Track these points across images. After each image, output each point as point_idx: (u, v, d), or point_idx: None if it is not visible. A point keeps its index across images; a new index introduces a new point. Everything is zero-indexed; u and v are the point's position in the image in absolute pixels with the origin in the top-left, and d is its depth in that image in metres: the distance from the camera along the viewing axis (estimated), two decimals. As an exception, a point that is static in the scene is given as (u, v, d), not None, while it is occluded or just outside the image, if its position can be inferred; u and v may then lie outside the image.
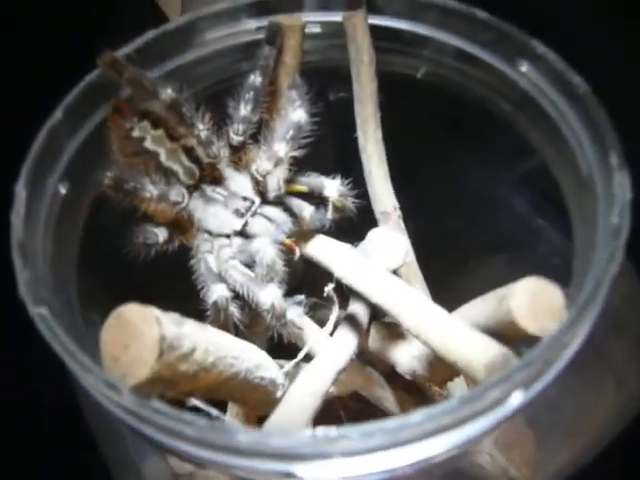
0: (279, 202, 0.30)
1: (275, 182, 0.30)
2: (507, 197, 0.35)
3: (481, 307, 0.25)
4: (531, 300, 0.22)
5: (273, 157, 0.28)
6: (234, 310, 0.28)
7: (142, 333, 0.22)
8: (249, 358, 0.28)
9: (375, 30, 0.32)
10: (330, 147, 0.38)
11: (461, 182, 0.35)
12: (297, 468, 0.18)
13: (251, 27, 0.32)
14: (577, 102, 0.26)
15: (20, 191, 0.24)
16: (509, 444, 0.35)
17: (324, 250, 0.31)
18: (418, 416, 0.17)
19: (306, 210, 0.30)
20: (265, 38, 0.31)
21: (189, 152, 0.30)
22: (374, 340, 0.36)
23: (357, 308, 0.32)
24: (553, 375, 0.20)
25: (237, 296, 0.29)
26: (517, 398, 0.19)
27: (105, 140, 0.29)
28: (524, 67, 0.28)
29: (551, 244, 0.33)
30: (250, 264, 0.29)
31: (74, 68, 0.28)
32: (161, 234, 0.30)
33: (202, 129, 0.29)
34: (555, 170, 0.28)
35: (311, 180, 0.30)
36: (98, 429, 0.29)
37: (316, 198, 0.31)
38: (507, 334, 0.24)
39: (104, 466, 0.30)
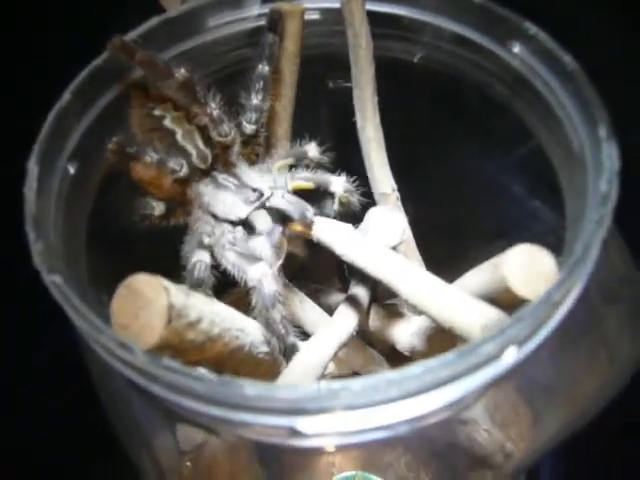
0: (286, 200, 0.31)
1: (282, 179, 0.31)
2: (505, 180, 0.35)
3: (477, 276, 0.26)
4: (524, 266, 0.23)
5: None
6: (209, 279, 0.29)
7: (151, 301, 0.23)
8: (254, 332, 0.29)
9: (372, 16, 0.33)
10: (330, 133, 0.39)
11: (459, 166, 0.36)
12: (301, 422, 0.19)
13: (253, 14, 0.33)
14: (567, 79, 0.27)
15: (32, 167, 0.25)
16: (507, 422, 0.36)
17: (324, 230, 0.32)
18: (418, 368, 0.18)
19: (309, 212, 0.30)
20: (267, 25, 0.32)
21: (203, 134, 0.31)
22: (374, 321, 0.37)
23: (358, 290, 0.33)
24: (546, 334, 0.21)
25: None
26: (511, 354, 0.20)
27: (112, 123, 0.30)
28: (516, 48, 0.29)
29: (548, 225, 0.33)
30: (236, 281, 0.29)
31: (75, 66, 0.29)
32: (158, 207, 0.30)
33: (214, 107, 0.30)
34: (548, 147, 0.29)
35: (317, 177, 0.32)
36: (110, 405, 0.29)
37: (322, 193, 0.32)
38: (502, 300, 0.24)
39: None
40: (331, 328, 0.31)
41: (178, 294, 0.23)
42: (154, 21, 0.31)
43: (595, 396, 0.28)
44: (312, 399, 0.18)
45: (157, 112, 0.30)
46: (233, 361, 0.28)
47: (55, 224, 0.26)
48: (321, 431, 0.20)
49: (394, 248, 0.33)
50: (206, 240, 0.30)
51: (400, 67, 0.34)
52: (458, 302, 0.25)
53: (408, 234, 0.35)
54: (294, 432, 0.21)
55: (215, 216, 0.31)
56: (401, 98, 0.35)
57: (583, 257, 0.21)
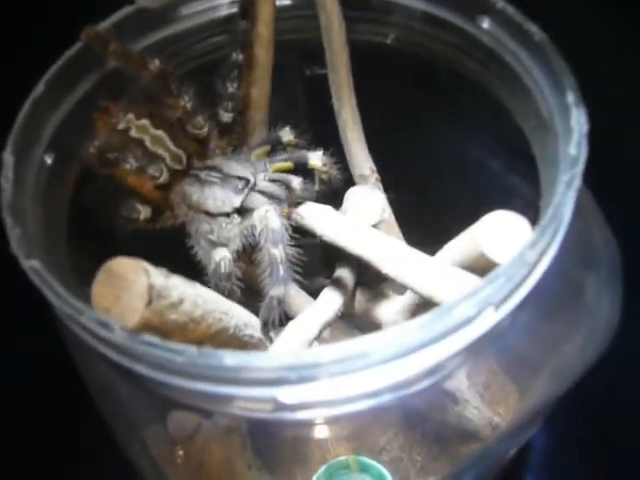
0: (269, 180, 0.31)
1: (262, 164, 0.32)
2: (483, 156, 0.36)
3: (455, 246, 0.26)
4: (498, 232, 0.23)
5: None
6: (237, 274, 0.29)
7: (132, 283, 0.23)
8: (238, 315, 0.30)
9: (343, -1, 0.34)
10: (310, 119, 0.39)
11: (436, 144, 0.36)
12: (282, 392, 0.19)
13: (225, 1, 0.33)
14: (535, 50, 0.27)
15: (8, 157, 0.25)
16: (495, 399, 0.37)
17: (306, 213, 0.32)
18: (395, 332, 0.19)
19: (295, 181, 0.31)
20: (239, 12, 0.33)
21: (173, 135, 0.31)
22: (360, 303, 0.37)
23: (343, 273, 0.34)
24: (523, 296, 0.21)
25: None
26: (489, 315, 0.20)
27: (89, 114, 0.30)
28: (485, 23, 0.30)
29: (528, 200, 0.34)
30: (252, 244, 0.30)
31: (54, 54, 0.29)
32: (144, 211, 0.31)
33: (187, 100, 0.31)
34: (520, 119, 0.29)
35: (294, 155, 0.32)
36: (98, 396, 0.29)
37: (302, 173, 0.32)
38: (481, 268, 0.25)
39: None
40: (315, 308, 0.31)
41: (158, 275, 0.23)
42: (127, 10, 0.31)
43: (575, 361, 0.28)
44: (292, 367, 0.19)
45: (121, 126, 0.30)
46: (217, 343, 0.28)
47: (33, 214, 0.26)
48: (303, 401, 0.20)
49: (375, 226, 0.33)
50: (212, 238, 0.30)
51: (374, 49, 0.35)
52: (437, 272, 0.25)
53: (388, 213, 0.35)
54: (277, 404, 0.21)
55: (208, 213, 0.31)
56: (376, 80, 0.35)
57: (554, 217, 0.21)
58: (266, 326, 0.30)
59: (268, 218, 0.29)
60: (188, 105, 0.30)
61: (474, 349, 0.22)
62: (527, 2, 0.29)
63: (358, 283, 0.35)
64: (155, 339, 0.19)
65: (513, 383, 0.36)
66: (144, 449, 0.30)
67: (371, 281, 0.37)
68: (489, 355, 0.33)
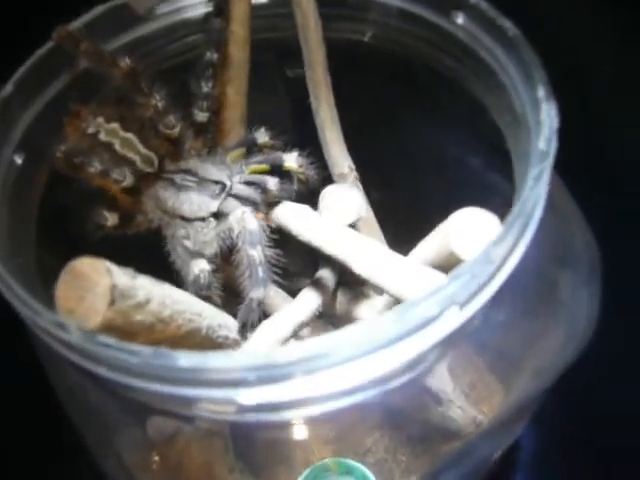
0: (245, 183, 0.31)
1: (238, 166, 0.32)
2: (461, 154, 0.35)
3: (427, 245, 0.26)
4: (467, 229, 0.23)
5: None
6: (216, 284, 0.29)
7: (95, 283, 0.23)
8: (211, 316, 0.29)
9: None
10: (289, 118, 0.39)
11: (415, 142, 0.36)
12: (242, 394, 0.19)
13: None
14: (509, 45, 0.27)
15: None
16: (480, 399, 0.36)
17: (282, 212, 0.32)
18: (356, 330, 0.18)
19: (270, 182, 0.31)
20: (213, 11, 0.32)
21: (143, 137, 0.31)
22: (341, 303, 0.37)
23: (324, 273, 0.33)
24: (490, 294, 0.21)
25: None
26: (454, 314, 0.20)
27: (60, 114, 0.30)
28: (460, 19, 0.29)
29: (507, 197, 0.34)
30: (230, 247, 0.29)
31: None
32: (111, 218, 0.30)
33: (159, 99, 0.30)
34: (495, 115, 0.29)
35: (270, 157, 0.32)
36: (72, 409, 0.29)
37: (278, 174, 0.32)
38: (451, 266, 0.24)
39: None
40: (291, 308, 0.31)
41: (122, 275, 0.23)
42: (99, 9, 0.31)
43: (555, 359, 0.27)
44: (249, 368, 0.18)
45: (90, 130, 0.30)
46: (189, 344, 0.28)
47: (0, 214, 0.25)
48: (270, 402, 0.20)
49: (353, 225, 0.33)
50: (188, 244, 0.30)
51: (351, 47, 0.34)
52: (408, 272, 0.24)
53: (366, 211, 0.35)
54: (239, 406, 0.20)
55: (184, 217, 0.31)
56: (354, 78, 0.35)
57: (521, 213, 0.20)
58: (244, 327, 0.30)
59: (245, 220, 0.29)
60: (159, 104, 0.30)
61: (445, 347, 0.22)
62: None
63: (340, 283, 0.35)
64: (110, 340, 0.19)
65: (499, 382, 0.36)
66: (116, 456, 0.30)
67: (353, 282, 0.36)
68: (472, 354, 0.33)
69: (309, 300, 0.32)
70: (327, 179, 0.35)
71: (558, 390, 0.29)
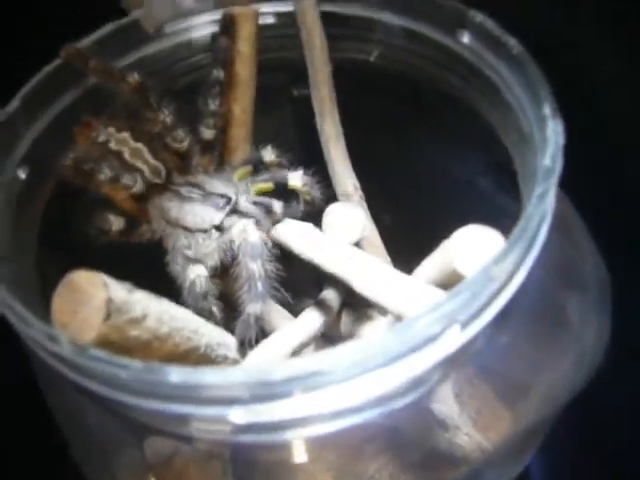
0: (251, 203, 0.31)
1: (244, 184, 0.31)
2: (470, 174, 0.35)
3: (430, 263, 0.25)
4: (471, 247, 0.22)
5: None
6: (214, 292, 0.29)
7: (91, 297, 0.23)
8: (210, 335, 0.29)
9: (324, 17, 0.33)
10: (296, 136, 0.39)
11: (423, 163, 0.36)
12: (234, 411, 0.18)
13: (210, 19, 0.33)
14: (513, 63, 0.26)
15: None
16: (487, 426, 0.35)
17: (284, 230, 0.31)
18: (351, 348, 0.18)
19: (276, 205, 0.31)
20: (220, 30, 0.33)
21: (153, 148, 0.31)
22: (345, 324, 0.36)
23: (329, 294, 0.33)
24: (494, 314, 0.20)
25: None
26: (455, 333, 0.19)
27: (66, 130, 0.30)
28: (465, 38, 0.29)
29: (513, 217, 0.33)
30: (230, 259, 0.29)
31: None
32: (117, 222, 0.30)
33: (167, 114, 0.31)
34: (502, 134, 0.28)
35: (275, 175, 0.32)
36: (68, 428, 0.29)
37: (285, 194, 0.32)
38: (455, 284, 0.24)
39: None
40: (291, 328, 0.30)
41: (119, 289, 0.23)
42: (108, 28, 0.31)
43: (563, 385, 0.27)
44: (243, 385, 0.18)
45: (101, 138, 0.30)
46: (188, 363, 0.27)
47: (2, 228, 0.25)
48: (258, 422, 0.19)
49: (356, 244, 0.32)
50: (189, 253, 0.30)
51: (357, 66, 0.34)
52: (410, 291, 0.24)
53: (372, 231, 0.34)
54: (234, 425, 0.20)
55: (186, 228, 0.31)
56: (361, 97, 0.35)
57: (525, 231, 0.20)
58: (243, 345, 0.29)
59: (247, 232, 0.29)
60: (168, 119, 0.30)
61: (447, 367, 0.21)
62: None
63: (345, 304, 0.35)
64: (101, 353, 0.18)
65: (506, 409, 0.35)
66: (113, 477, 0.29)
67: (357, 303, 0.36)
68: (478, 379, 0.32)
69: (311, 320, 0.31)
70: (333, 198, 0.35)
71: (568, 416, 0.28)
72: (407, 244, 0.37)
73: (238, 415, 0.18)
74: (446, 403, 0.32)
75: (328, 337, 0.34)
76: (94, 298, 0.23)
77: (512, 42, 0.26)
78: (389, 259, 0.36)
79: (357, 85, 0.35)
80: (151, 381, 0.18)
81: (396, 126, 0.35)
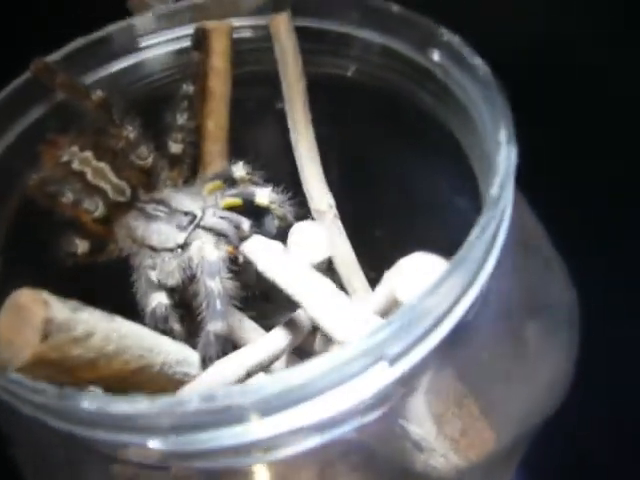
0: (219, 217, 0.31)
1: (213, 198, 0.31)
2: (448, 193, 0.34)
3: (379, 292, 0.24)
4: (413, 276, 0.22)
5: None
6: (174, 319, 0.29)
7: (33, 315, 0.23)
8: (168, 352, 0.28)
9: (301, 32, 0.33)
10: (278, 151, 0.38)
11: (399, 180, 0.35)
12: (151, 437, 0.18)
13: (185, 33, 0.33)
14: (480, 84, 0.25)
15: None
16: (471, 446, 0.34)
17: (250, 247, 0.31)
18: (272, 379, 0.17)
19: (245, 224, 0.30)
20: (192, 44, 0.32)
21: (116, 166, 0.31)
22: (319, 344, 0.36)
23: (300, 315, 0.32)
24: (430, 348, 0.20)
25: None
26: (380, 369, 0.18)
27: (32, 145, 0.30)
28: (436, 56, 0.28)
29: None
30: (191, 277, 0.29)
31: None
32: (82, 245, 0.30)
33: (131, 130, 0.31)
34: (470, 154, 0.27)
35: (245, 191, 0.31)
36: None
37: (260, 209, 0.31)
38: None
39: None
40: (253, 347, 0.30)
41: (60, 308, 0.23)
42: (79, 42, 0.31)
43: (530, 414, 0.26)
44: (146, 415, 0.17)
45: (64, 158, 0.30)
46: (141, 380, 0.27)
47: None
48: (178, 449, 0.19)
49: (329, 262, 0.32)
50: (153, 275, 0.30)
51: (334, 81, 0.34)
52: (353, 320, 0.23)
53: (345, 249, 0.34)
54: (162, 453, 0.20)
55: (152, 247, 0.30)
56: (336, 113, 0.34)
57: (460, 263, 0.19)
58: (205, 362, 0.29)
59: (204, 249, 0.29)
60: (131, 135, 0.30)
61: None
62: None
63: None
64: (18, 376, 0.18)
65: (492, 430, 0.34)
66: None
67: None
68: (467, 398, 0.31)
69: (275, 340, 0.31)
70: (308, 215, 0.34)
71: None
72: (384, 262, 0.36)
73: (156, 444, 0.18)
74: (422, 425, 0.31)
75: (303, 354, 0.34)
76: (35, 316, 0.22)
77: (478, 62, 0.26)
78: (364, 278, 0.36)
79: (334, 99, 0.34)
80: (65, 407, 0.17)
81: (374, 141, 0.35)
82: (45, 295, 0.23)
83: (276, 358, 0.30)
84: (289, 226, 0.33)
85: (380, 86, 0.32)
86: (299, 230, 0.30)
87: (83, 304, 0.25)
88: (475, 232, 0.20)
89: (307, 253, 0.30)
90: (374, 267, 0.35)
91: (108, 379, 0.26)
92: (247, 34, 0.34)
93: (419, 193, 0.35)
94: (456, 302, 0.20)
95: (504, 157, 0.22)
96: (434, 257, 0.22)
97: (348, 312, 0.23)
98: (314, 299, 0.25)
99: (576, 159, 0.40)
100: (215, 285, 0.28)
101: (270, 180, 0.32)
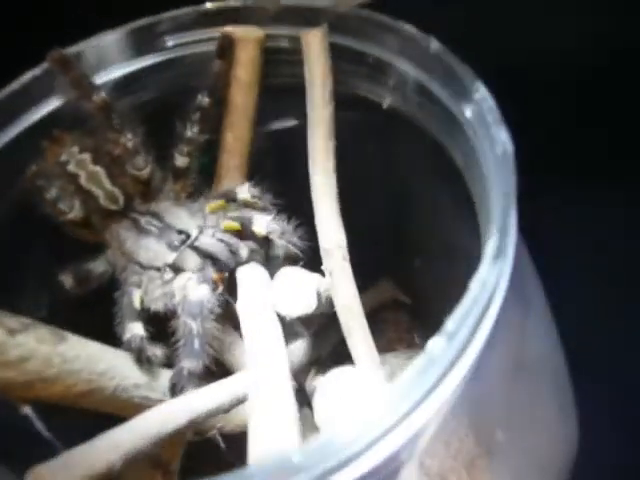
0: (217, 239, 0.29)
1: (214, 218, 0.30)
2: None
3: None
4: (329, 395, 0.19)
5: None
6: (149, 348, 0.28)
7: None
8: (125, 377, 0.28)
9: (340, 50, 0.29)
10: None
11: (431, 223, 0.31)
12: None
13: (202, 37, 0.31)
14: (502, 162, 0.21)
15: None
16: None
17: (242, 276, 0.29)
18: None
19: (243, 250, 0.29)
20: (215, 51, 0.30)
21: (112, 173, 0.30)
22: (310, 380, 0.33)
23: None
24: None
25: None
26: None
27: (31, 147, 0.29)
28: (468, 112, 0.24)
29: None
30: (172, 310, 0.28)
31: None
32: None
33: (129, 138, 0.29)
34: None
35: (243, 215, 0.29)
36: None
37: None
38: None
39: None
40: (219, 386, 0.28)
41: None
42: (93, 41, 0.30)
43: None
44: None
45: (63, 158, 0.29)
46: (90, 402, 0.26)
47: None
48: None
49: (309, 315, 0.29)
50: (136, 296, 0.28)
51: (368, 107, 0.30)
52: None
53: (350, 295, 0.30)
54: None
55: (139, 264, 0.29)
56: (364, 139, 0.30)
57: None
58: (174, 390, 0.28)
59: (187, 288, 0.27)
60: (129, 143, 0.29)
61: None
62: None
63: (318, 360, 0.32)
64: None
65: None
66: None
67: (328, 359, 0.33)
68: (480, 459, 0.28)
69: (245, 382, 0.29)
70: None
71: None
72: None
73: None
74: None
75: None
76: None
77: (503, 137, 0.21)
78: (366, 326, 0.32)
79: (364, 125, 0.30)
80: None
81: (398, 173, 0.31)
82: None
83: (241, 401, 0.28)
84: (295, 259, 0.30)
85: (413, 123, 0.28)
86: (285, 275, 0.27)
87: (36, 323, 0.24)
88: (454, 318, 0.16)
89: (285, 304, 0.27)
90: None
91: (50, 399, 0.25)
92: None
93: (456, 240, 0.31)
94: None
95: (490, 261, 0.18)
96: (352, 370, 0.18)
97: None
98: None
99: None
100: (195, 325, 0.26)
101: (288, 207, 0.30)
